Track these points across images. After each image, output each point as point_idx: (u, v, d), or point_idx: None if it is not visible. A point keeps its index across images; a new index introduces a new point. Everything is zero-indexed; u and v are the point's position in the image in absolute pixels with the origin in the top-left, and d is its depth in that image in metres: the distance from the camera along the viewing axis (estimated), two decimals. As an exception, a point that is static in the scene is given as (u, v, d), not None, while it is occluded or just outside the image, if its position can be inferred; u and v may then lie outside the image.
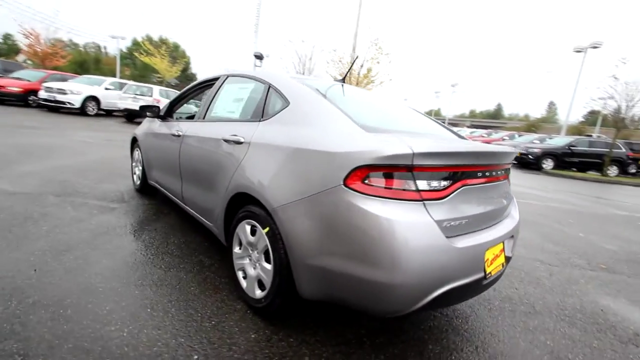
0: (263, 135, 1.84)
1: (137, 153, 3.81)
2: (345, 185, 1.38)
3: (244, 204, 1.91)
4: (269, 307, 1.71)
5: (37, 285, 1.84)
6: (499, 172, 1.75)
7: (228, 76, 2.55)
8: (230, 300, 1.93)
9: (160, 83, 22.00)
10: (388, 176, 1.36)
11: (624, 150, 14.04)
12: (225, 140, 2.07)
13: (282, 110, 1.86)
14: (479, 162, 1.57)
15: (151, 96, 12.27)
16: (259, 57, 16.10)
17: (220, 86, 2.53)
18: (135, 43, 53.76)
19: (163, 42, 24.40)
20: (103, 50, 61.40)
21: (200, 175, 2.34)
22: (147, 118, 3.89)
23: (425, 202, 1.37)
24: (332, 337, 1.73)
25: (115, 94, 12.68)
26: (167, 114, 3.25)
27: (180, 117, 3.47)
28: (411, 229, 1.32)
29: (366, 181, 1.36)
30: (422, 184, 1.37)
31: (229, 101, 2.39)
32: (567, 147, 13.98)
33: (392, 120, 2.12)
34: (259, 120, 1.95)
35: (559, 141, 14.95)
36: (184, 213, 3.25)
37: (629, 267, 3.35)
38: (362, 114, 1.94)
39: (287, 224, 1.54)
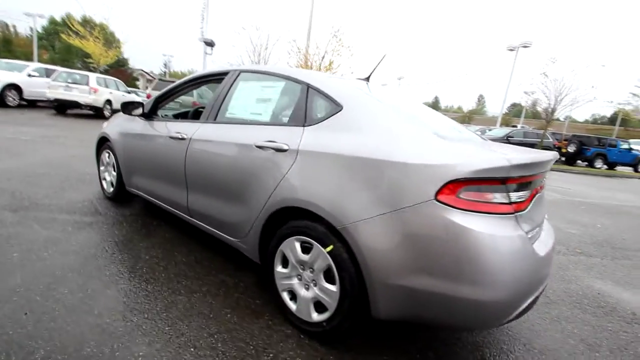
0: (315, 142, 1.65)
1: (106, 155, 3.29)
2: (438, 200, 1.29)
3: (288, 219, 1.72)
4: (334, 331, 1.57)
5: (38, 334, 1.47)
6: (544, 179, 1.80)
7: (240, 72, 2.27)
8: (276, 325, 1.74)
9: (94, 70, 19.48)
10: (484, 189, 1.29)
11: (551, 140, 15.96)
12: (259, 147, 1.83)
13: (333, 114, 1.68)
14: (541, 170, 1.58)
15: (87, 84, 10.79)
16: (210, 44, 15.06)
17: (233, 83, 2.25)
18: (52, 22, 46.88)
19: (95, 23, 21.53)
20: (12, 29, 52.75)
21: (219, 185, 2.06)
22: (120, 115, 3.38)
23: (516, 214, 1.34)
24: (399, 354, 1.65)
25: (42, 81, 10.93)
26: (152, 112, 2.83)
27: (166, 116, 3.06)
28: (508, 243, 1.28)
29: (461, 195, 1.28)
30: (513, 197, 1.34)
31: (250, 101, 2.13)
32: (505, 138, 15.44)
33: (437, 123, 2.04)
34: (303, 125, 1.75)
35: (498, 132, 16.45)
36: (179, 224, 2.89)
37: (597, 250, 3.77)
38: (416, 117, 1.85)
39: (363, 242, 1.41)
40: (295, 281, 1.72)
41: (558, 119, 18.14)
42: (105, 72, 21.07)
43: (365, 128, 1.58)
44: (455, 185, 1.29)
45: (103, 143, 3.36)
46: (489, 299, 1.27)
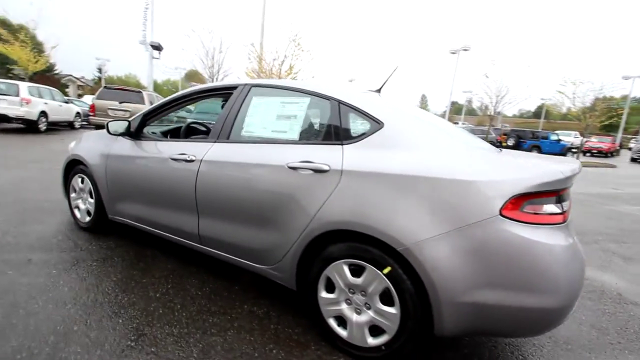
0: (360, 161, 1.60)
1: (79, 181, 2.90)
2: (502, 215, 1.32)
3: (333, 242, 1.65)
4: (395, 354, 1.54)
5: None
6: None
7: (252, 86, 2.13)
8: (327, 355, 1.66)
9: (16, 77, 17.13)
10: (543, 202, 1.36)
11: (494, 135, 17.50)
12: (293, 168, 1.73)
13: (375, 132, 1.65)
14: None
15: (17, 95, 9.49)
16: (158, 47, 14.12)
17: (245, 99, 2.10)
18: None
19: (21, 26, 18.94)
20: None
21: (242, 210, 1.92)
22: (94, 134, 3.02)
23: (566, 223, 1.42)
24: (454, 367, 1.66)
25: (-42, 93, 9.39)
26: (139, 131, 2.56)
27: (154, 133, 2.79)
28: (567, 252, 1.35)
29: (524, 209, 1.33)
30: (565, 206, 1.42)
31: (269, 118, 2.00)
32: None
33: (463, 133, 2.07)
34: (341, 144, 1.69)
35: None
36: (178, 253, 2.64)
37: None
38: (450, 130, 1.87)
39: (427, 262, 1.39)
40: (343, 306, 1.66)
41: (493, 115, 19.97)
42: (30, 79, 18.73)
43: (413, 145, 1.57)
44: (518, 199, 1.33)
45: (73, 167, 2.97)
46: (554, 305, 1.33)
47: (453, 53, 20.61)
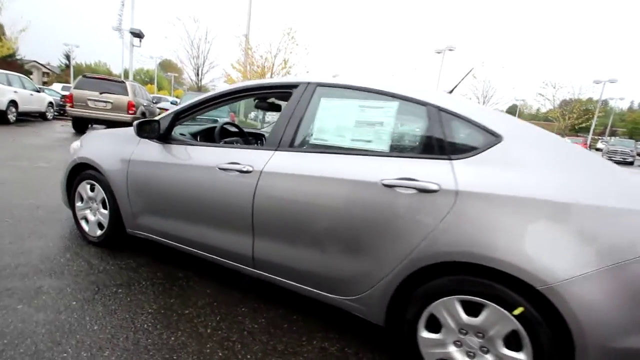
0: (479, 181, 1.36)
1: (87, 188, 2.49)
2: None
3: (440, 274, 1.41)
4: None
5: None
6: None
7: (317, 85, 1.84)
8: (432, 405, 1.42)
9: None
10: None
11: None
12: (388, 185, 1.47)
13: (491, 146, 1.41)
14: None
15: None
16: (139, 35, 13.21)
17: (310, 100, 1.81)
18: None
19: None
20: None
21: (317, 232, 1.63)
22: (105, 134, 2.61)
23: None
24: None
25: None
26: (169, 133, 2.19)
27: (183, 135, 2.42)
28: None
29: None
30: None
31: (346, 124, 1.72)
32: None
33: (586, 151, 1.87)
34: (449, 158, 1.44)
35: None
36: (215, 274, 2.31)
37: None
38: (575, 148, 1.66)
39: (576, 302, 1.18)
40: (451, 349, 1.42)
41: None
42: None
43: (544, 163, 1.35)
44: None
45: (79, 171, 2.54)
46: None
47: (438, 53, 20.78)
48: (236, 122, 3.42)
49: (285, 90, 1.93)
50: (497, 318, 1.31)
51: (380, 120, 1.64)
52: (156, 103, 12.92)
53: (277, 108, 2.69)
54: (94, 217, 2.52)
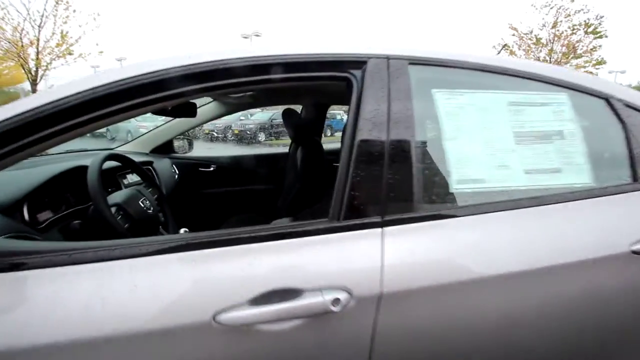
0: None
1: None
2: None
3: None
4: None
5: None
6: None
7: (410, 62, 0.92)
8: None
9: None
10: None
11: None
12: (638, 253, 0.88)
13: None
14: None
15: None
16: None
17: (409, 95, 0.91)
18: None
19: None
20: None
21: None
22: None
23: None
24: None
25: None
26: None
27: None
28: None
29: None
30: None
31: (503, 141, 0.94)
32: (270, 121, 16.90)
33: None
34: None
35: (262, 116, 17.65)
36: None
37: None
38: None
39: None
40: None
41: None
42: None
43: None
44: None
45: None
46: None
47: (245, 38, 20.40)
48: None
49: (331, 74, 0.92)
50: None
51: (559, 127, 0.99)
52: None
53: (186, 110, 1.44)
54: None
